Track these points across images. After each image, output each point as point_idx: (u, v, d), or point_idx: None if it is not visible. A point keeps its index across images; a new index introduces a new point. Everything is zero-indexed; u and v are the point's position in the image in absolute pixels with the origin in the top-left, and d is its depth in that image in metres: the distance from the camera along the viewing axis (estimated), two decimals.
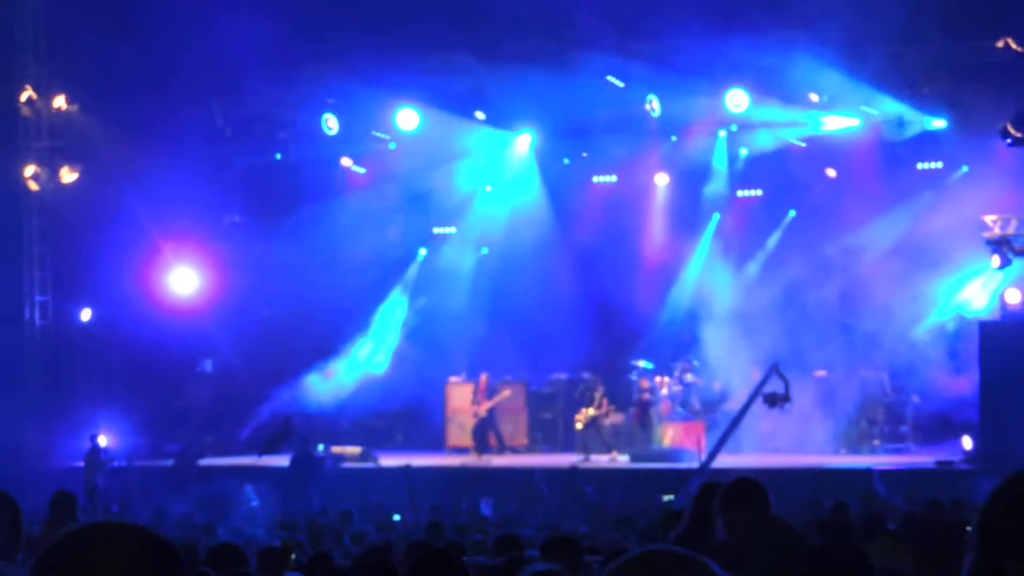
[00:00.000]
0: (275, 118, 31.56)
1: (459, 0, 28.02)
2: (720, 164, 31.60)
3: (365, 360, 33.48)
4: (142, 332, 30.80)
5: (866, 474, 23.76)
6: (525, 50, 28.61)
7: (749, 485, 7.11)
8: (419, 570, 4.41)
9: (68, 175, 31.03)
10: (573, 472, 23.69)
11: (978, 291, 28.23)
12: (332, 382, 31.88)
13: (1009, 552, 3.05)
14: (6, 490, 5.97)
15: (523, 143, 32.09)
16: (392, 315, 34.10)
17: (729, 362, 29.19)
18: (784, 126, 29.80)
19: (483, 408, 30.46)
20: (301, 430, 29.26)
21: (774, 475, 22.71)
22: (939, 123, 28.49)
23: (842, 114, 29.24)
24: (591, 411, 29.50)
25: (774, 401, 25.04)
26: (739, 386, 27.71)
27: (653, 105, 29.81)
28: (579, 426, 29.66)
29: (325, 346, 32.23)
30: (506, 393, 30.74)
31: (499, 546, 9.69)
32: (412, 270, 34.34)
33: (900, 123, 28.53)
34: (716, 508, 7.15)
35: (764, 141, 30.35)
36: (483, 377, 30.69)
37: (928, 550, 8.94)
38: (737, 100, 29.14)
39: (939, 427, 28.16)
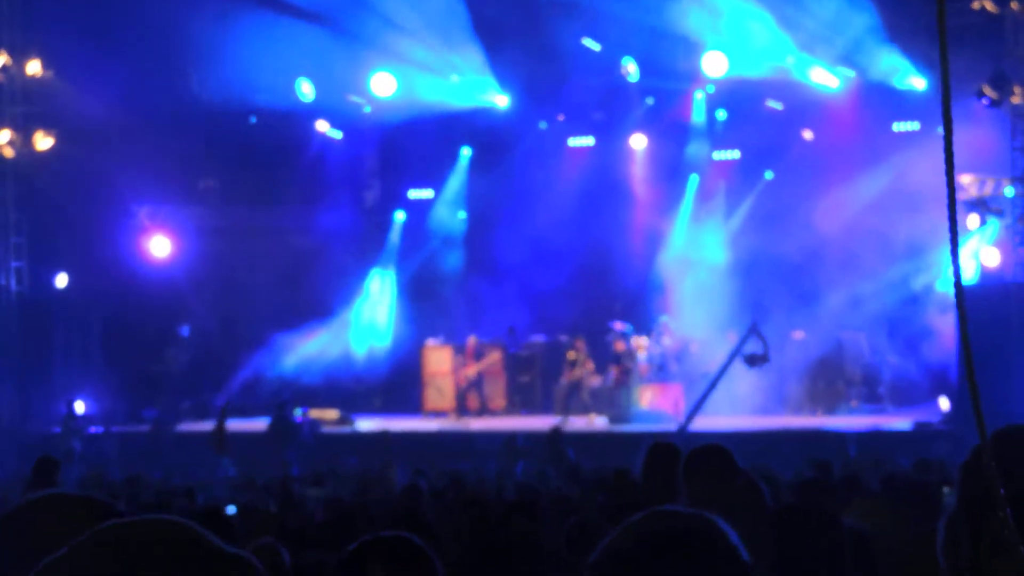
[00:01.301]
0: (250, 83, 31.39)
1: None
2: (698, 126, 31.57)
3: (365, 329, 33.47)
4: (119, 297, 30.79)
5: (841, 437, 23.83)
6: (501, 13, 28.54)
7: (712, 450, 7.06)
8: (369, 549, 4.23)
9: (43, 140, 30.79)
10: (555, 434, 23.65)
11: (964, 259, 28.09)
12: (309, 347, 31.84)
13: (987, 505, 3.02)
14: None
15: (499, 107, 31.97)
16: (375, 281, 34.04)
17: (707, 323, 29.20)
18: (762, 84, 29.75)
19: (473, 370, 30.48)
20: (278, 395, 29.22)
21: (751, 437, 22.90)
22: (919, 83, 28.49)
23: (821, 64, 29.17)
24: (578, 372, 29.45)
25: (753, 362, 25.10)
26: (717, 348, 27.72)
27: (629, 68, 29.76)
28: (577, 372, 29.46)
29: (302, 310, 32.16)
30: (495, 356, 30.76)
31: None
32: (389, 234, 34.27)
33: (881, 72, 28.48)
34: (680, 475, 7.12)
35: (742, 102, 30.30)
36: (472, 339, 30.67)
37: (906, 511, 8.95)
38: (714, 62, 29.13)
39: (916, 388, 28.26)
